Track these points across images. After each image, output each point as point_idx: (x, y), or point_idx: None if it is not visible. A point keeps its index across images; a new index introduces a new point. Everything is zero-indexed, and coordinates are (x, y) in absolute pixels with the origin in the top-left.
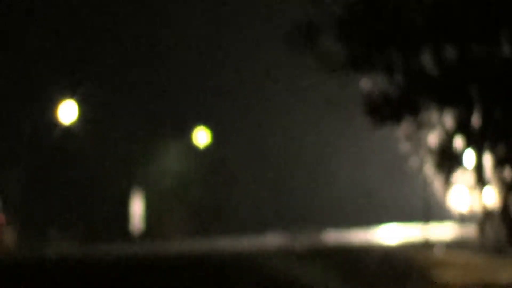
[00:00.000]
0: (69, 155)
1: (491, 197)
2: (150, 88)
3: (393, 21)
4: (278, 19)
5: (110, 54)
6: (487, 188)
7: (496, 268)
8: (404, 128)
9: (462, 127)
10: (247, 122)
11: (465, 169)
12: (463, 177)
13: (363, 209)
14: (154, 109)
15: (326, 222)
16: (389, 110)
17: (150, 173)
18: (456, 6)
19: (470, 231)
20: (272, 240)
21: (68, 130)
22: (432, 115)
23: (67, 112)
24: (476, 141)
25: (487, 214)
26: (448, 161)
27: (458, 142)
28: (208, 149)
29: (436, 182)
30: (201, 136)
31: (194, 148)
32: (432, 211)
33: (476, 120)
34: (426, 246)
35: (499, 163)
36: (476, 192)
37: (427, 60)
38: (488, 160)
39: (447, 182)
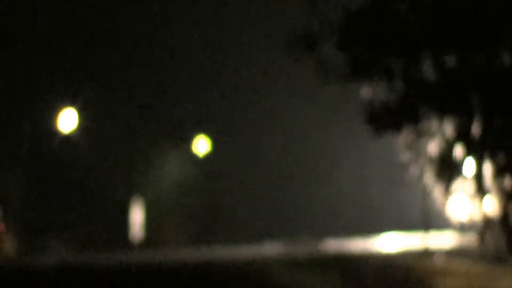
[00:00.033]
0: (68, 163)
1: (491, 205)
2: (150, 95)
3: (393, 29)
4: (278, 24)
5: (110, 58)
6: (487, 197)
7: (496, 276)
8: (404, 136)
9: (462, 135)
10: (247, 131)
11: (465, 177)
12: (463, 186)
13: (363, 218)
14: (154, 117)
15: (325, 230)
16: (389, 118)
17: (150, 181)
18: (456, 14)
19: (470, 239)
20: (272, 248)
21: (67, 138)
22: (432, 123)
23: (67, 120)
24: (476, 150)
25: (487, 223)
26: (448, 169)
27: (458, 150)
28: (208, 157)
29: (436, 190)
30: (201, 145)
31: (194, 157)
32: (432, 219)
33: (476, 128)
34: (426, 254)
35: (499, 172)
36: (476, 200)
37: (427, 68)
38: (488, 168)
39: (447, 191)
